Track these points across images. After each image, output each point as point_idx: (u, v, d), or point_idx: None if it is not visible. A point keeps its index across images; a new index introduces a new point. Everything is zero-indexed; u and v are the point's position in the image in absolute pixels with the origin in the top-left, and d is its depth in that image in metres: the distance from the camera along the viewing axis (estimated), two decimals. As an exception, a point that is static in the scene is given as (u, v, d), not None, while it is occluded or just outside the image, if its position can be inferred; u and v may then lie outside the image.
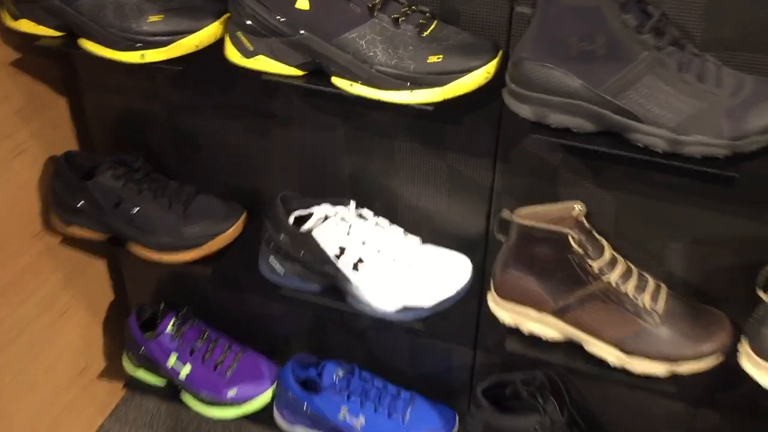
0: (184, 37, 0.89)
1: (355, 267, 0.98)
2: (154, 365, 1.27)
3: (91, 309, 1.31)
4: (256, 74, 0.89)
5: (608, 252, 0.93)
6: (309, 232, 0.98)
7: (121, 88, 1.10)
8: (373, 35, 0.82)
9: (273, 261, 1.03)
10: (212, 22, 0.89)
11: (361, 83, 0.84)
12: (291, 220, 1.02)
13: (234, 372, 1.25)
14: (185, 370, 1.24)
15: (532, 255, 0.95)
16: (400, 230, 1.01)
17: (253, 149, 1.08)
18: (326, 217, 1.01)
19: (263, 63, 0.88)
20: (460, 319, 1.08)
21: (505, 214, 0.96)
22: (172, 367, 1.25)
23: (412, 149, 0.99)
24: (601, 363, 0.95)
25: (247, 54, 0.88)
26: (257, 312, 1.30)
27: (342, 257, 0.98)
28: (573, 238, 0.91)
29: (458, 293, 0.99)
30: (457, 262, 1.01)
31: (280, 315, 1.29)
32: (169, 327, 1.26)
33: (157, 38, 0.89)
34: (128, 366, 1.32)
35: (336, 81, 0.86)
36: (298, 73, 0.88)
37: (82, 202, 1.08)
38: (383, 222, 1.01)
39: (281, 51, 0.86)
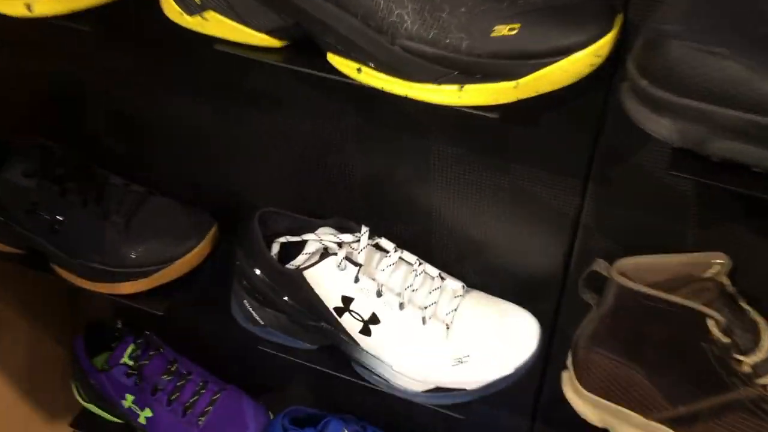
0: (93, -23, 0.54)
1: (366, 329, 0.64)
2: (107, 403, 0.97)
3: (30, 327, 1.01)
4: (206, 41, 0.54)
5: (766, 338, 0.58)
6: (299, 271, 0.65)
7: (37, 46, 0.75)
8: (397, -15, 0.46)
9: (248, 306, 0.71)
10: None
11: (374, 67, 0.49)
12: (275, 249, 0.69)
13: (209, 419, 0.94)
14: (145, 414, 0.94)
15: (641, 334, 0.61)
16: (436, 271, 0.67)
17: (227, 139, 0.74)
18: (326, 250, 0.67)
19: (216, 25, 0.53)
20: (515, 387, 0.74)
21: (600, 266, 0.61)
22: (129, 408, 0.95)
23: (457, 154, 0.65)
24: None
25: (192, 9, 0.53)
26: (243, 336, 0.97)
27: (346, 313, 0.65)
28: (715, 320, 0.56)
29: (517, 371, 0.65)
30: (519, 321, 0.67)
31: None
32: (125, 357, 0.95)
33: (49, -21, 0.54)
34: (78, 396, 1.02)
35: (334, 60, 0.51)
36: (274, 43, 0.53)
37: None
38: (410, 258, 0.67)
39: (244, 7, 0.51)
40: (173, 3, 0.54)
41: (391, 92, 0.49)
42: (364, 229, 0.66)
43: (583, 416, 0.66)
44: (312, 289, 0.65)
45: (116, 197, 0.76)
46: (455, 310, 0.65)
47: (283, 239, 0.69)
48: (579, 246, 0.66)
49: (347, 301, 0.64)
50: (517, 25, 0.46)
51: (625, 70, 0.47)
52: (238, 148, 0.75)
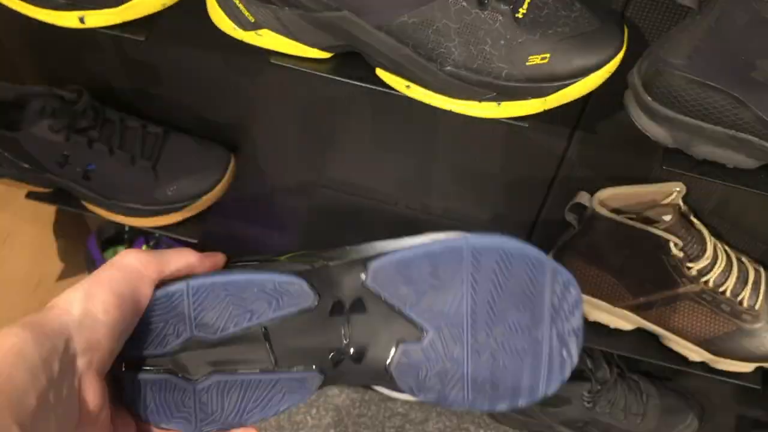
0: (143, -8, 0.58)
1: None
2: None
3: (39, 231, 1.08)
4: (261, 53, 0.60)
5: (710, 248, 0.74)
6: None
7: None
8: (445, 21, 0.54)
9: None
10: (184, -31, 0.58)
11: (422, 85, 0.58)
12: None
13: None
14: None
15: (614, 250, 0.76)
16: None
17: (238, 89, 0.80)
18: None
19: (270, 40, 0.59)
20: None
21: (584, 197, 0.75)
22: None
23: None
24: (678, 356, 0.82)
25: (246, 25, 0.58)
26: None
27: None
28: (674, 242, 0.72)
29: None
30: None
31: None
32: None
33: (101, -6, 0.58)
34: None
35: (383, 75, 0.59)
36: (324, 55, 0.60)
37: (12, 158, 0.80)
38: None
39: (299, 28, 0.57)
40: (227, 18, 0.59)
41: (437, 107, 0.58)
42: None
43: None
44: None
45: (138, 140, 0.82)
46: None
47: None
48: (560, 177, 0.78)
49: None
50: (547, 55, 0.55)
51: (630, 81, 0.57)
52: (246, 95, 0.81)
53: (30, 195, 0.87)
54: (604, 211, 0.73)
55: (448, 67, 0.55)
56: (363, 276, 0.42)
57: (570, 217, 0.77)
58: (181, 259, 0.44)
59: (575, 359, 0.45)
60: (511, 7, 0.54)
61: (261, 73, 0.75)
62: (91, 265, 1.09)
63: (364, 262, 0.43)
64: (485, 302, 0.43)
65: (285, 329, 0.43)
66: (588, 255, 0.78)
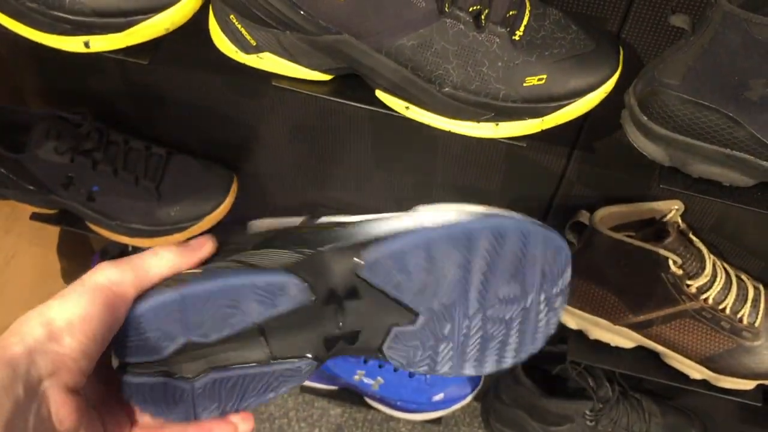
0: (148, 18, 0.59)
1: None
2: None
3: (43, 251, 1.09)
4: (263, 75, 0.61)
5: (710, 265, 0.75)
6: None
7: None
8: (444, 43, 0.55)
9: None
10: (188, -6, 0.59)
11: (421, 107, 0.59)
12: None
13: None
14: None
15: (614, 267, 0.77)
16: None
17: (240, 110, 0.81)
18: None
19: (271, 63, 0.60)
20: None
21: (583, 216, 0.76)
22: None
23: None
24: (680, 374, 0.82)
25: (248, 48, 0.59)
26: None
27: None
28: (673, 260, 0.72)
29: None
30: None
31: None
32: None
33: (106, 20, 0.59)
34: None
35: (383, 97, 0.60)
36: (324, 77, 0.60)
37: (17, 179, 0.81)
38: None
39: (300, 51, 0.58)
40: (228, 42, 0.60)
41: (436, 127, 0.59)
42: None
43: (564, 324, 0.83)
44: None
45: (142, 162, 0.83)
46: None
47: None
48: (559, 196, 0.79)
49: None
50: (544, 76, 0.56)
51: (626, 100, 0.58)
52: (247, 117, 0.82)
53: (34, 216, 0.88)
54: (603, 229, 0.74)
55: (447, 89, 0.56)
56: (357, 262, 0.42)
57: (570, 236, 0.78)
58: (162, 262, 0.43)
59: (560, 315, 0.46)
60: (508, 29, 0.55)
61: (262, 94, 0.76)
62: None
63: (357, 249, 0.42)
64: (478, 281, 0.43)
65: (280, 324, 0.43)
66: (588, 273, 0.78)
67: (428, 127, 0.59)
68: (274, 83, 0.60)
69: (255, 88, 0.75)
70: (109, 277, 0.40)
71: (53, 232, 1.06)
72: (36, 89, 0.87)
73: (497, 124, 0.58)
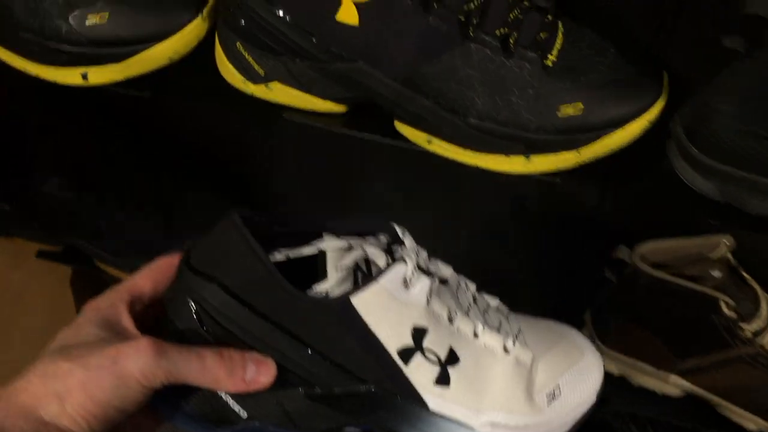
0: (149, 46, 0.55)
1: (444, 376, 0.42)
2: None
3: (54, 288, 1.04)
4: (274, 108, 0.56)
5: (765, 306, 0.68)
6: (343, 300, 0.40)
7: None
8: (468, 70, 0.50)
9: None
10: (191, 21, 0.55)
11: (444, 139, 0.53)
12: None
13: None
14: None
15: (658, 309, 0.70)
16: (471, 284, 0.48)
17: (251, 142, 0.76)
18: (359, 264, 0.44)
19: (281, 93, 0.55)
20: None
21: (623, 252, 0.69)
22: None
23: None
24: (734, 425, 0.75)
25: (256, 78, 0.55)
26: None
27: (417, 356, 0.42)
28: (725, 302, 0.66)
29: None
30: (574, 339, 0.51)
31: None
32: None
33: (104, 50, 0.55)
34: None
35: (403, 129, 0.55)
36: (337, 108, 0.56)
37: (22, 217, 0.77)
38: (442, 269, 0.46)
39: (311, 80, 0.54)
40: (236, 71, 0.55)
41: (462, 162, 0.53)
42: (398, 228, 0.44)
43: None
44: (368, 327, 0.40)
45: (148, 193, 0.79)
46: (520, 332, 0.47)
47: (280, 253, 0.42)
48: (599, 229, 0.73)
49: (419, 334, 0.41)
50: (580, 104, 0.50)
51: (672, 129, 0.52)
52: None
53: (40, 254, 0.84)
54: (645, 267, 0.68)
55: (472, 119, 0.51)
56: None
57: (608, 274, 0.72)
58: (206, 375, 0.37)
59: None
60: (539, 53, 0.50)
61: (274, 126, 0.71)
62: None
63: None
64: None
65: None
66: (629, 314, 0.72)
67: (453, 161, 0.54)
68: (284, 116, 0.56)
69: (267, 120, 0.70)
70: (141, 369, 0.36)
71: (64, 267, 1.02)
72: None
73: (528, 158, 0.52)
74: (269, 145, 0.75)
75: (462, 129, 0.52)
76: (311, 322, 0.39)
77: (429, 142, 0.54)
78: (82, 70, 0.56)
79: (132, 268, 0.79)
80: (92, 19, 0.54)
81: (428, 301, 0.41)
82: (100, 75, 0.56)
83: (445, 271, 0.44)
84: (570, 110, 0.50)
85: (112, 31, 0.54)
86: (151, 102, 0.57)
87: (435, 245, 0.51)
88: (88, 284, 1.05)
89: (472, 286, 0.47)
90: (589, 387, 0.47)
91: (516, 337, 0.44)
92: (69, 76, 0.57)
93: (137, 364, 0.36)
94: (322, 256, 0.42)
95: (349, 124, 0.55)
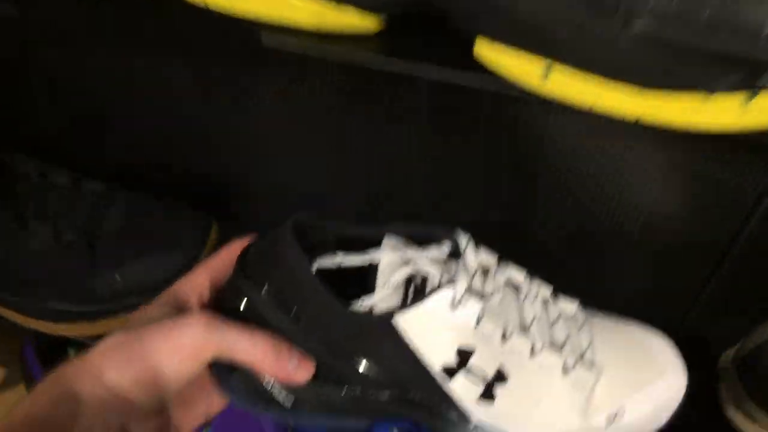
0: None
1: (489, 393, 0.40)
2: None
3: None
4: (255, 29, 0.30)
5: None
6: (387, 319, 0.37)
7: None
8: None
9: (268, 384, 0.40)
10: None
11: (581, 68, 0.28)
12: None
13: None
14: None
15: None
16: (547, 288, 0.42)
17: (223, 135, 0.50)
18: (410, 279, 0.41)
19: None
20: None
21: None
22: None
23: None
24: None
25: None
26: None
27: (461, 374, 0.39)
28: None
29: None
30: (659, 351, 0.44)
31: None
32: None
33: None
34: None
35: (494, 57, 0.29)
36: (368, 24, 0.30)
37: None
38: (516, 273, 0.41)
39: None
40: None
41: (617, 113, 0.28)
42: (463, 236, 0.40)
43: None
44: (408, 345, 0.38)
45: (66, 205, 0.53)
46: (591, 345, 0.42)
47: (331, 260, 0.40)
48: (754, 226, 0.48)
49: (465, 355, 0.39)
50: None
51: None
52: (231, 127, 0.51)
53: None
54: None
55: (644, 20, 0.26)
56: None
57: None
58: (254, 354, 0.36)
59: None
60: None
61: (255, 117, 0.46)
62: (30, 381, 0.79)
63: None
64: None
65: None
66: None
67: (584, 116, 0.28)
68: (264, 41, 0.30)
69: (247, 107, 0.45)
70: (192, 341, 0.35)
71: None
72: None
73: (753, 94, 0.27)
74: (248, 138, 0.49)
75: (621, 44, 0.26)
76: (358, 336, 0.39)
77: (545, 76, 0.28)
78: None
79: (44, 312, 0.53)
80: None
81: (478, 322, 0.38)
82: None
83: (517, 276, 0.41)
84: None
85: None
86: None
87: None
88: (4, 335, 0.78)
89: (546, 291, 0.42)
90: (660, 413, 0.42)
91: (582, 355, 0.41)
92: None
93: (189, 337, 0.36)
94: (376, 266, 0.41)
95: (389, 53, 0.29)
